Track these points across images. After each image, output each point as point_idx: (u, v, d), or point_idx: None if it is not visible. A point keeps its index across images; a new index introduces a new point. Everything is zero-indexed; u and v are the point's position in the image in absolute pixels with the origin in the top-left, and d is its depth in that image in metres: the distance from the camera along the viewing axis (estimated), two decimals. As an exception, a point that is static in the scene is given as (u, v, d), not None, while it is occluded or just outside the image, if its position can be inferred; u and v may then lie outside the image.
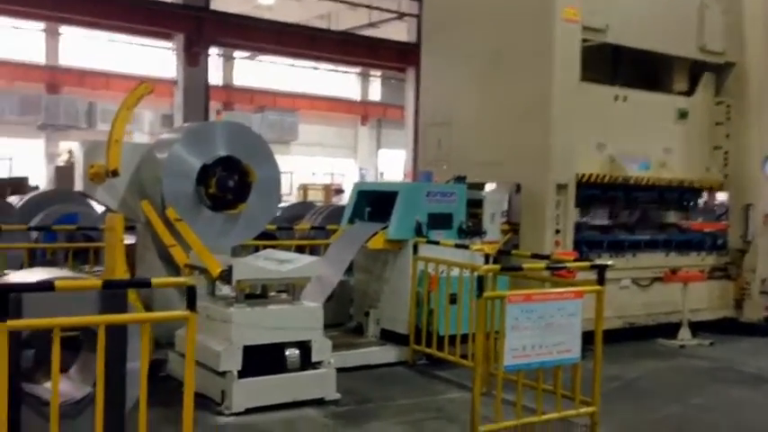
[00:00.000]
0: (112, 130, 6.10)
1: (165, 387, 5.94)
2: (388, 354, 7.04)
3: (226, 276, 5.53)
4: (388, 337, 7.31)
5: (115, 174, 6.07)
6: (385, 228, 7.19)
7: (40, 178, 25.95)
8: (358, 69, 36.54)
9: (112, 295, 4.23)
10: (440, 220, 7.33)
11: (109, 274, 6.09)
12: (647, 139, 8.88)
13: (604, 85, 8.70)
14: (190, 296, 3.58)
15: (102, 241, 7.64)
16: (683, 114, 9.23)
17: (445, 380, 6.62)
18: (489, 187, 8.81)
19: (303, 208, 13.74)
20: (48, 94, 29.88)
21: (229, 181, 6.32)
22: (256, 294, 5.93)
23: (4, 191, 17.96)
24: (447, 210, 7.40)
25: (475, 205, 7.72)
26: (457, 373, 6.64)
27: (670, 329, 8.76)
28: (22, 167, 28.48)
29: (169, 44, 22.64)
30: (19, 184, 19.37)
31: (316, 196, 27.80)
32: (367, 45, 24.05)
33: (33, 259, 9.01)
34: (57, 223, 9.74)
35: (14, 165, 29.67)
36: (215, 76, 33.05)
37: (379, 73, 36.49)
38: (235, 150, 6.45)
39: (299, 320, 5.74)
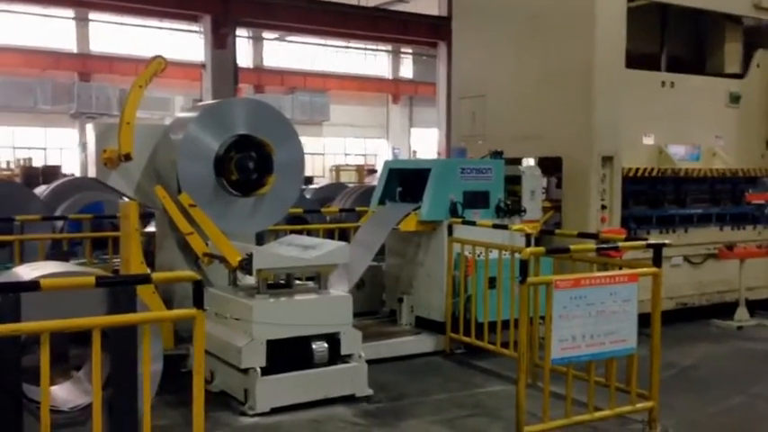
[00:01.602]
0: (124, 111, 5.71)
1: (187, 384, 5.55)
2: (423, 343, 6.60)
3: (245, 265, 5.12)
4: (423, 324, 6.86)
5: (128, 158, 5.69)
6: (417, 208, 6.72)
7: (75, 167, 26.00)
8: (389, 47, 35.96)
9: (120, 292, 3.87)
10: (476, 199, 6.84)
11: (124, 264, 5.74)
12: (696, 126, 8.23)
13: (651, 55, 8.06)
14: (196, 292, 3.17)
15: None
16: (735, 98, 8.53)
17: (484, 371, 6.16)
18: (528, 162, 8.27)
19: (334, 190, 13.41)
20: (80, 81, 29.91)
21: (249, 162, 5.88)
22: (280, 284, 5.53)
23: (37, 179, 17.94)
24: (483, 187, 6.90)
25: (513, 182, 7.21)
26: (497, 362, 6.18)
27: (726, 310, 8.21)
28: (56, 156, 28.67)
29: (196, 27, 22.29)
30: (51, 173, 19.37)
31: (349, 177, 27.45)
32: (398, 20, 23.46)
33: (58, 250, 8.76)
34: (82, 212, 9.48)
35: (48, 154, 29.88)
36: (245, 59, 32.84)
37: (410, 50, 35.83)
38: (255, 129, 6.01)
39: (327, 311, 5.32)
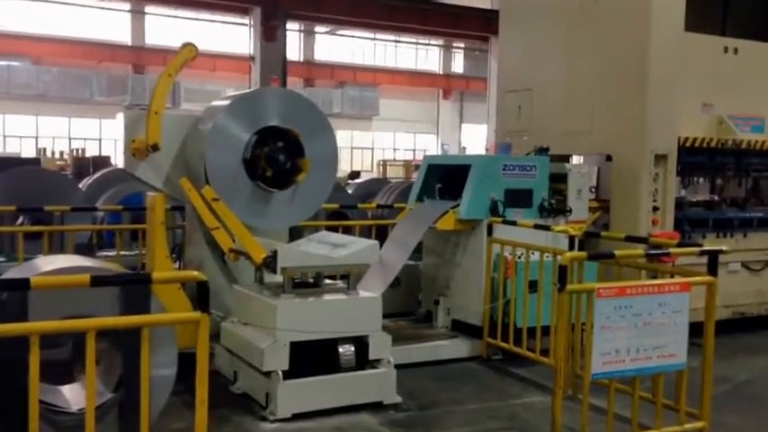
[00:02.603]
0: (152, 100, 5.54)
1: (211, 385, 5.36)
2: (458, 348, 6.28)
3: (270, 263, 4.89)
4: (459, 328, 6.55)
5: (155, 148, 5.51)
6: (456, 206, 6.40)
7: (125, 157, 26.31)
8: (440, 41, 35.58)
9: (133, 290, 3.67)
10: (518, 197, 6.48)
11: (150, 258, 5.58)
12: (760, 96, 7.68)
13: (711, 31, 7.55)
14: (201, 294, 2.94)
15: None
16: None
17: (522, 379, 5.82)
18: (575, 160, 7.86)
19: (377, 185, 13.16)
20: (134, 74, 30.32)
21: (279, 154, 5.64)
22: (308, 283, 5.28)
23: (87, 169, 18.14)
24: (526, 185, 6.54)
25: (559, 180, 6.82)
26: (536, 371, 5.84)
27: (786, 320, 7.69)
28: (110, 147, 29.11)
29: (246, 20, 22.30)
30: (102, 163, 19.56)
31: (396, 172, 27.18)
32: (449, 14, 23.10)
33: (100, 241, 8.70)
34: (121, 203, 9.41)
35: (103, 144, 30.35)
36: (295, 52, 32.87)
37: (461, 44, 35.41)
38: (287, 120, 5.77)
39: (355, 313, 5.05)
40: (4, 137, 30.06)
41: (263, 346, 4.78)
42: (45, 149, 24.65)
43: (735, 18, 7.89)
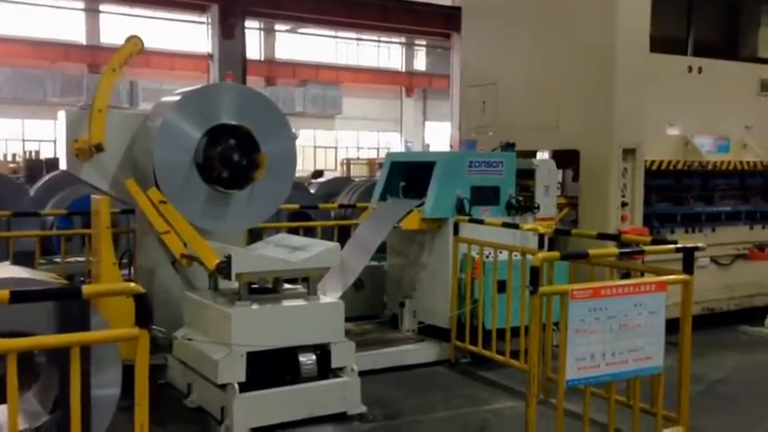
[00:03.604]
0: (96, 96, 5.20)
1: (164, 398, 5.07)
2: (425, 352, 6.04)
3: (223, 269, 4.58)
4: (426, 331, 6.31)
5: (99, 148, 5.17)
6: (420, 205, 6.16)
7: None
8: (402, 39, 35.38)
9: (70, 304, 3.35)
10: (485, 195, 6.26)
11: (95, 265, 5.23)
12: (725, 115, 7.55)
13: (675, 50, 7.42)
14: (139, 309, 2.63)
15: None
16: (766, 85, 7.88)
17: (492, 384, 5.60)
18: (542, 155, 7.68)
19: (340, 184, 12.89)
20: (89, 73, 29.58)
21: (233, 153, 5.34)
22: (266, 288, 4.98)
23: (40, 172, 17.54)
24: (493, 182, 6.32)
25: (526, 176, 6.63)
26: (506, 374, 5.62)
27: (756, 314, 7.59)
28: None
29: (204, 18, 21.83)
30: (54, 165, 18.95)
31: (360, 171, 26.90)
32: (409, 11, 22.82)
33: (50, 247, 8.29)
34: (72, 206, 9.00)
35: (58, 146, 29.55)
36: (256, 51, 32.39)
37: (423, 42, 35.23)
38: (243, 118, 5.47)
39: (316, 320, 4.77)
40: (-44, 139, 29.12)
41: (217, 358, 4.47)
42: (-4, 152, 23.86)
43: (698, 36, 7.75)
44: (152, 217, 5.03)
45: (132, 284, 2.66)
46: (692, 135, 7.28)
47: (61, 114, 5.54)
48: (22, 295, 2.49)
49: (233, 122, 5.35)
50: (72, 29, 29.52)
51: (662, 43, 7.10)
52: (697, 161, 7.25)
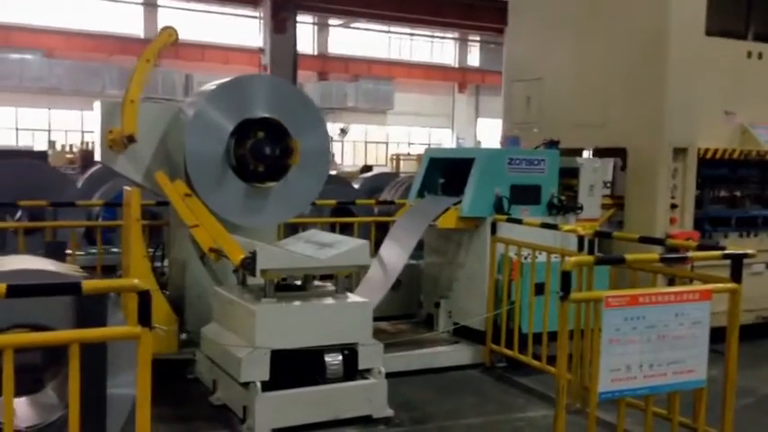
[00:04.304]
0: (129, 87, 5.16)
1: (190, 394, 5.03)
2: (459, 354, 5.86)
3: (248, 265, 4.48)
4: (461, 332, 6.12)
5: (131, 140, 5.13)
6: (458, 203, 5.97)
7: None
8: (455, 34, 35.05)
9: (87, 298, 3.28)
10: (525, 194, 6.03)
11: (125, 257, 5.20)
12: None
13: (733, 35, 7.05)
14: (142, 306, 2.53)
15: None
16: None
17: (527, 390, 5.39)
18: (588, 154, 7.40)
19: (385, 179, 12.76)
20: (146, 67, 30.07)
21: (265, 146, 5.24)
22: (295, 285, 4.87)
23: (93, 162, 17.87)
24: (534, 181, 6.10)
25: (570, 175, 6.38)
26: (542, 380, 5.40)
27: (815, 325, 7.17)
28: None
29: (257, 12, 21.96)
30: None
31: (410, 167, 26.71)
32: (463, 5, 22.53)
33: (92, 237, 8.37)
34: (116, 198, 9.08)
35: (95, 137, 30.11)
36: (309, 45, 32.49)
37: (477, 37, 34.83)
38: (277, 112, 5.37)
39: (343, 319, 4.64)
40: (17, 130, 29.94)
41: (240, 355, 4.38)
42: (55, 143, 24.46)
43: (759, 21, 7.35)
44: (180, 210, 4.97)
45: (136, 281, 2.56)
46: (751, 124, 6.91)
47: (96, 105, 5.52)
48: (19, 289, 2.42)
49: (259, 115, 5.24)
50: (130, 22, 30.05)
51: (720, 28, 6.75)
52: (755, 150, 6.89)
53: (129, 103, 5.09)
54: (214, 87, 5.42)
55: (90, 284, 2.58)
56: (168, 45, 5.28)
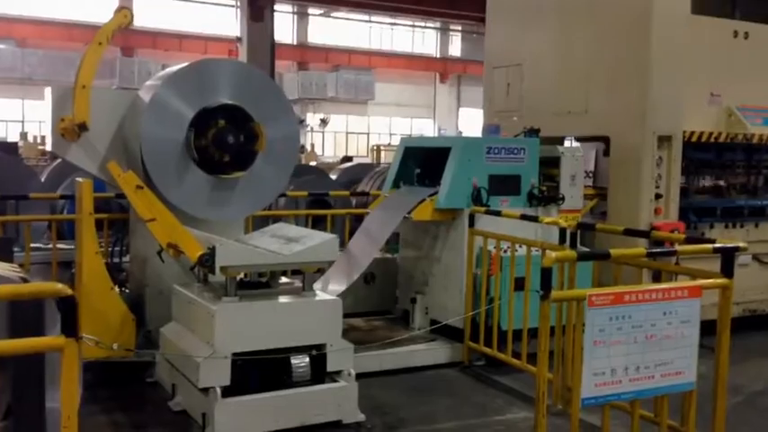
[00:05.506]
0: (79, 72, 4.82)
1: (148, 399, 4.72)
2: (436, 353, 5.59)
3: (206, 261, 4.16)
4: (438, 329, 5.84)
5: (83, 128, 4.80)
6: (434, 194, 5.69)
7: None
8: (437, 23, 34.72)
9: (24, 304, 2.97)
10: (504, 184, 5.76)
11: (78, 253, 4.87)
12: None
13: (719, 13, 6.82)
14: (65, 314, 2.23)
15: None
16: None
17: (507, 390, 5.13)
18: (570, 142, 7.14)
19: (364, 170, 12.51)
20: (122, 57, 29.54)
21: (228, 135, 4.93)
22: (259, 282, 4.57)
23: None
24: (513, 170, 5.83)
25: (551, 164, 6.11)
26: (523, 379, 5.14)
27: (802, 318, 6.99)
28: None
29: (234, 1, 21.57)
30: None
31: (391, 158, 26.40)
32: (444, -6, 22.27)
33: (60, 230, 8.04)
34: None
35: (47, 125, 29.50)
36: (288, 35, 32.03)
37: (459, 27, 34.54)
38: (242, 99, 5.06)
39: (310, 319, 4.35)
40: (-9, 121, 29.33)
41: (199, 359, 4.08)
42: (27, 134, 23.90)
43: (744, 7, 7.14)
44: (135, 203, 4.64)
45: (59, 285, 2.26)
46: (737, 105, 6.69)
47: (47, 91, 5.18)
48: None
49: (220, 102, 4.92)
50: (105, 11, 29.45)
51: (705, 7, 6.52)
52: (741, 134, 6.67)
53: (81, 88, 4.76)
54: (174, 71, 5.09)
55: (5, 289, 2.27)
56: (123, 27, 4.93)
